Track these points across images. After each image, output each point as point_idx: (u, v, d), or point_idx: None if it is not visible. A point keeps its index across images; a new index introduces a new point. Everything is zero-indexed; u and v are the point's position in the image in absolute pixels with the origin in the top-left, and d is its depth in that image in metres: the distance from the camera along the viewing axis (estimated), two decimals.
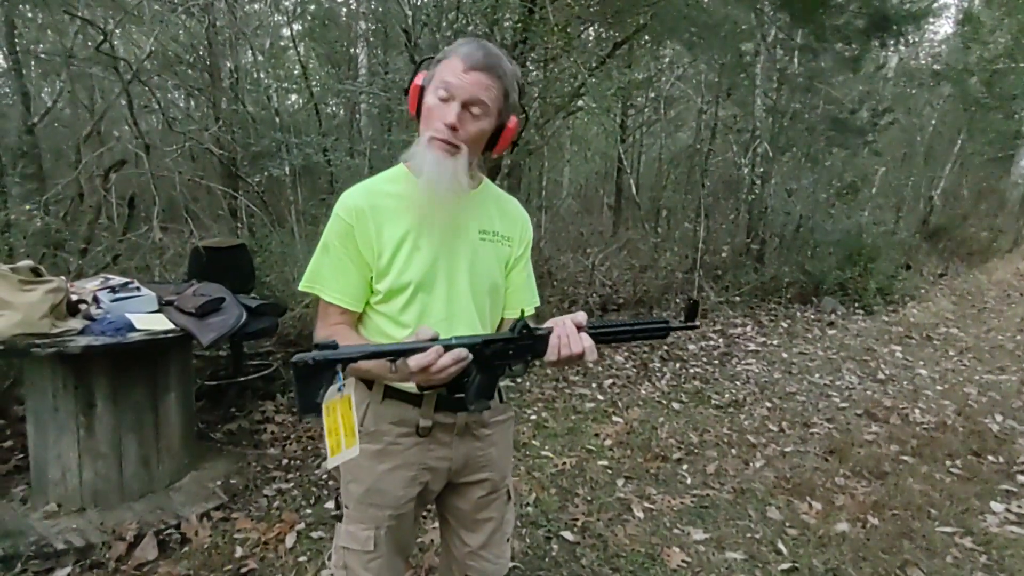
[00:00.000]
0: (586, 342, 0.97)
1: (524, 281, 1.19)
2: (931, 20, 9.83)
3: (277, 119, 5.20)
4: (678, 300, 5.79)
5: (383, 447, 1.09)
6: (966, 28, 9.98)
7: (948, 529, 2.32)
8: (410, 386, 1.04)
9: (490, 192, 1.17)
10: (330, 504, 2.31)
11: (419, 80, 1.04)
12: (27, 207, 3.15)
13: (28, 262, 2.08)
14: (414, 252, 1.05)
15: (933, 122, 10.76)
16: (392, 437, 1.09)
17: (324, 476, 2.52)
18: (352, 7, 6.57)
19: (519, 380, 3.65)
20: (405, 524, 1.14)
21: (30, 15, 5.33)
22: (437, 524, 1.38)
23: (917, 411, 3.59)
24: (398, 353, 0.90)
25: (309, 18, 7.24)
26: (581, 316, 0.99)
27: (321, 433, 0.91)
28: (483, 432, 1.16)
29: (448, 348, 0.91)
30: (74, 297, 2.11)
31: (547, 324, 1.00)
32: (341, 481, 1.17)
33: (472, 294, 1.09)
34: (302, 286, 1.09)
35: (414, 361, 0.90)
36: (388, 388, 1.08)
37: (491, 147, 1.09)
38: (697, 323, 1.10)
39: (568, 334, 0.96)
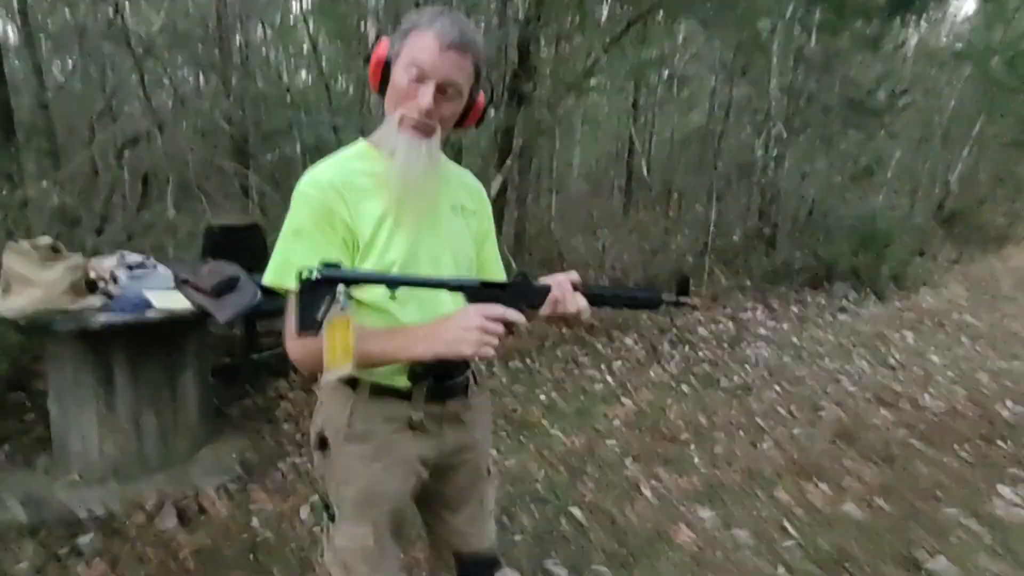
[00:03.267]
0: (581, 302, 0.97)
1: (496, 256, 1.18)
2: None
3: (288, 96, 5.18)
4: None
5: (375, 446, 1.05)
6: (990, 6, 9.69)
7: (955, 511, 2.33)
8: (400, 381, 1.02)
9: (449, 166, 1.14)
10: None
11: (382, 51, 0.97)
12: (43, 184, 3.17)
13: (47, 239, 2.10)
14: (395, 230, 0.99)
15: (952, 104, 10.53)
16: (383, 435, 1.05)
17: None
18: None
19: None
20: (401, 516, 1.12)
21: None
22: None
23: (927, 396, 3.58)
24: (400, 282, 0.90)
25: None
26: (574, 274, 0.99)
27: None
28: (468, 416, 1.14)
29: (445, 285, 0.94)
30: (92, 274, 2.13)
31: (543, 280, 0.99)
32: (328, 481, 1.10)
33: (456, 271, 1.06)
34: (268, 280, 0.97)
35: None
36: (374, 385, 1.04)
37: (459, 123, 1.06)
38: (689, 299, 1.06)
39: (566, 293, 0.97)
